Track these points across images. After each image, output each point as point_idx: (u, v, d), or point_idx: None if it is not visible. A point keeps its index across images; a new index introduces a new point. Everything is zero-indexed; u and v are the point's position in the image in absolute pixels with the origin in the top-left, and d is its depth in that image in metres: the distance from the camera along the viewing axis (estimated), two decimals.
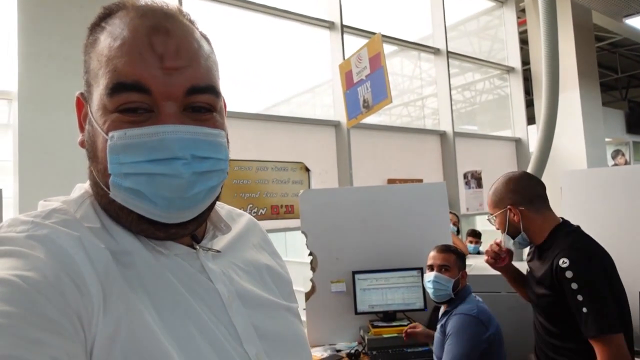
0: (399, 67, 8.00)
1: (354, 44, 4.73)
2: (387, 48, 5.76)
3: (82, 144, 0.59)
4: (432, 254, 2.13)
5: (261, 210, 4.09)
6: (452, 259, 2.07)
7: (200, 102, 0.56)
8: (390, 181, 4.92)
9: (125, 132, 0.52)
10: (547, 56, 3.02)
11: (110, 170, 0.52)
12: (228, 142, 0.62)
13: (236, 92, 5.71)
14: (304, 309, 2.77)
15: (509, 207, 1.69)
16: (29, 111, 2.91)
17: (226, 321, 0.57)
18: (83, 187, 0.61)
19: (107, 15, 0.57)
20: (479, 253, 4.43)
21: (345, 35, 4.70)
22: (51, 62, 2.97)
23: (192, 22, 0.59)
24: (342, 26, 4.66)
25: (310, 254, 2.81)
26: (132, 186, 0.52)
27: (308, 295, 2.78)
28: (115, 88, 0.52)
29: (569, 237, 1.61)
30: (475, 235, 4.68)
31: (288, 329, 0.65)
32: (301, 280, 4.06)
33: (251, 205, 4.03)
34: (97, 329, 0.47)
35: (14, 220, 0.51)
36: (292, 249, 7.06)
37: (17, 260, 0.46)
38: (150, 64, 0.52)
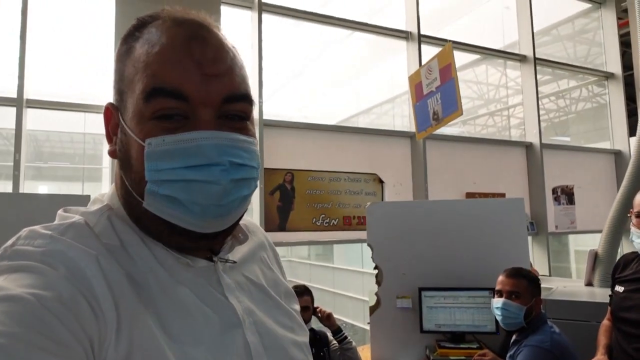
0: (484, 75, 7.66)
1: (433, 53, 4.63)
2: (471, 56, 5.55)
3: (112, 153, 0.59)
4: (501, 278, 1.99)
5: (333, 221, 4.12)
6: (524, 284, 1.91)
7: (236, 110, 0.56)
8: (469, 195, 4.70)
9: (163, 138, 0.52)
10: None
11: (148, 177, 0.52)
12: None
13: (317, 103, 5.84)
14: (368, 323, 2.73)
15: None
16: None
17: (239, 339, 0.57)
18: (101, 199, 0.61)
19: (141, 25, 0.58)
20: None
21: (424, 46, 4.61)
22: None
23: (223, 34, 0.59)
24: (420, 36, 4.57)
25: (376, 267, 2.77)
26: (168, 193, 0.52)
27: (372, 310, 2.74)
28: (153, 93, 0.52)
29: None
30: None
31: (293, 349, 0.64)
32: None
33: (323, 216, 4.08)
34: (108, 353, 0.46)
35: (31, 231, 0.51)
36: (368, 261, 7.01)
37: (34, 277, 0.45)
38: (189, 70, 0.52)
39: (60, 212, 0.58)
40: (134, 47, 0.56)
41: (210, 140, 0.52)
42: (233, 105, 0.55)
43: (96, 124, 3.73)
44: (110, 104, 0.59)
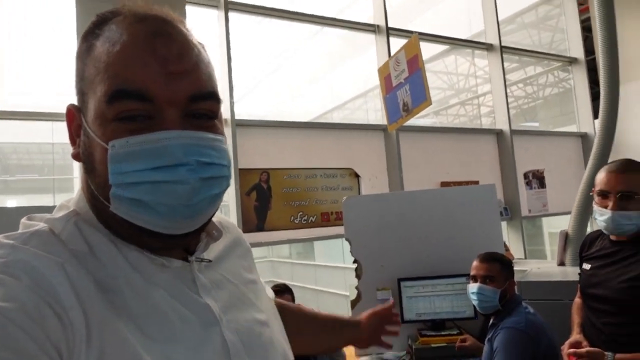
0: (454, 65, 7.77)
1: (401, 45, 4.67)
2: (439, 47, 5.62)
3: (76, 156, 0.57)
4: (475, 263, 2.03)
5: (311, 218, 4.12)
6: (497, 268, 1.95)
7: (203, 109, 0.54)
8: (444, 184, 4.77)
9: (127, 140, 0.50)
10: (603, 44, 2.81)
11: (112, 181, 0.50)
12: None
13: (291, 102, 5.84)
14: None
15: None
16: None
17: (217, 337, 0.56)
18: (67, 205, 0.59)
19: (101, 22, 0.56)
20: None
21: (393, 38, 4.64)
22: None
23: (188, 29, 0.57)
24: (388, 29, 4.61)
25: (355, 261, 2.79)
26: (133, 196, 0.50)
27: (354, 304, 2.76)
28: (116, 95, 0.50)
29: None
30: None
31: (272, 346, 0.64)
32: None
33: (301, 213, 4.08)
34: None
35: None
36: (349, 256, 7.04)
37: None
38: (152, 69, 0.51)
39: (23, 220, 0.56)
40: (95, 45, 0.54)
41: (176, 140, 0.50)
42: (200, 104, 0.54)
43: (65, 133, 3.63)
44: (72, 105, 0.58)
